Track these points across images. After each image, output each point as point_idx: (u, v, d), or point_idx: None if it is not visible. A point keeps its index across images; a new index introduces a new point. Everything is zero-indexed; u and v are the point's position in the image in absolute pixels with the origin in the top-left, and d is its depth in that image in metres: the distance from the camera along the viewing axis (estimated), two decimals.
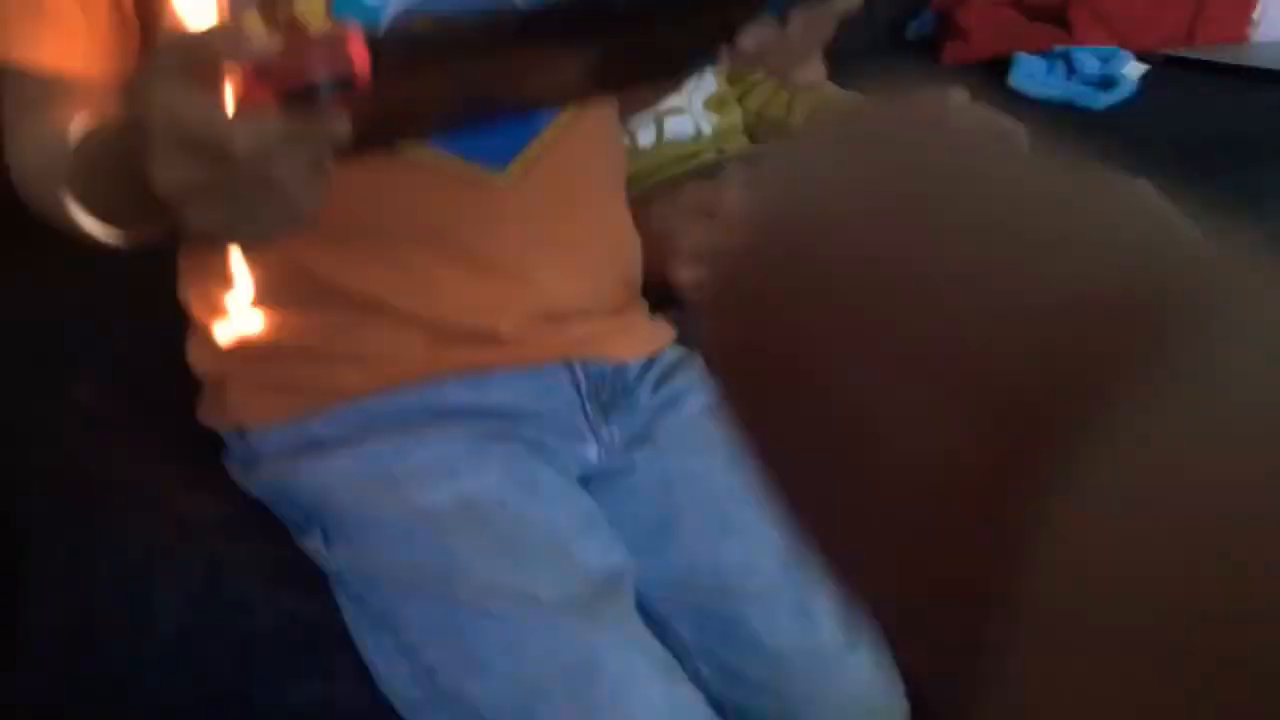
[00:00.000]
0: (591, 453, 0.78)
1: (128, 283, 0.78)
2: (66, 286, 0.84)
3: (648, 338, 0.83)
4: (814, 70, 1.25)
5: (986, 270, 0.10)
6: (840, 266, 0.11)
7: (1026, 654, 0.09)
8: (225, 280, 0.74)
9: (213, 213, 0.54)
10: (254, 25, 0.67)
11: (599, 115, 0.80)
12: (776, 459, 0.12)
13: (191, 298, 0.77)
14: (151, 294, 0.79)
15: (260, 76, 0.51)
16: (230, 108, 0.51)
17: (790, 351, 0.11)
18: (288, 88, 0.51)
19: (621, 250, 0.84)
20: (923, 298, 0.10)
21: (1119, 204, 0.11)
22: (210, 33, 0.53)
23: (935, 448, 0.10)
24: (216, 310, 0.75)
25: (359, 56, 0.51)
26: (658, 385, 0.82)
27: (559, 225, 0.77)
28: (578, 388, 0.77)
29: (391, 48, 0.52)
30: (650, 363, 0.82)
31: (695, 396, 0.82)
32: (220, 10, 0.68)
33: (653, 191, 1.02)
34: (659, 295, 0.90)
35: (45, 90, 0.69)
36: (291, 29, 0.67)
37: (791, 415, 0.11)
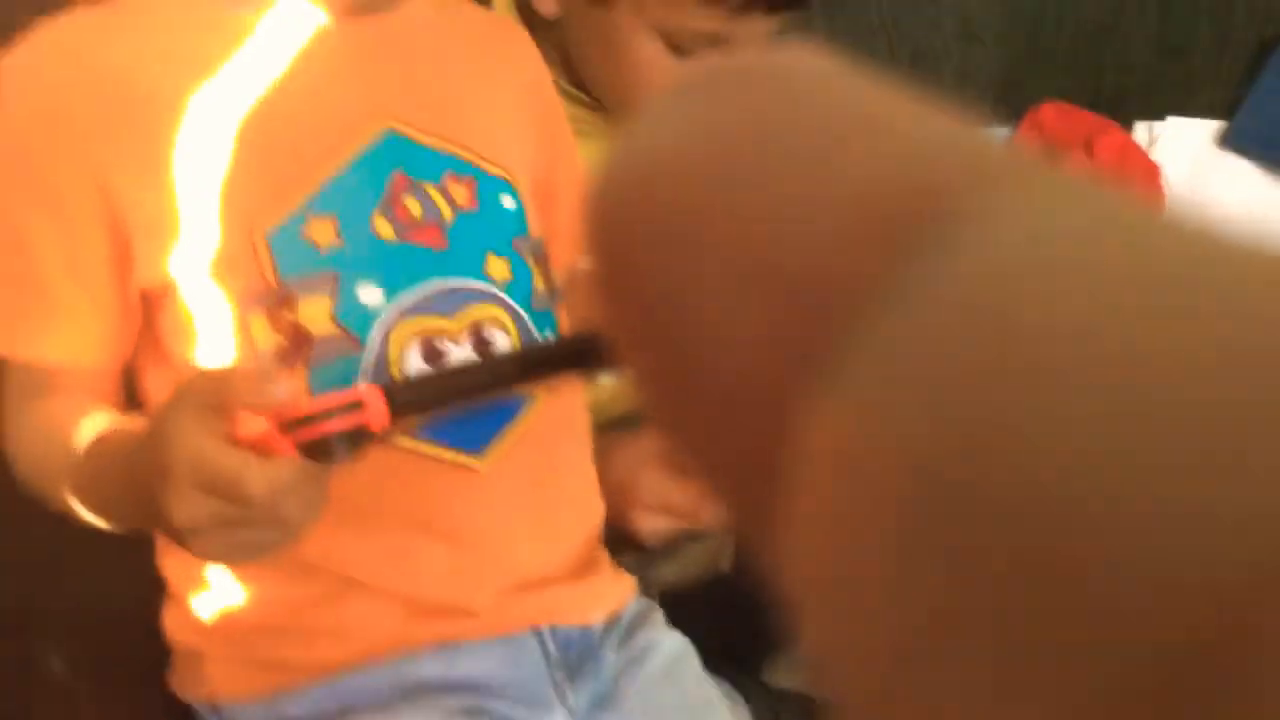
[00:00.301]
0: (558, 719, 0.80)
1: (98, 535, 0.78)
2: (33, 537, 0.84)
3: (612, 596, 0.86)
4: None
5: (791, 185, 0.11)
6: (681, 202, 0.12)
7: (804, 513, 0.10)
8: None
9: (219, 543, 0.57)
10: (260, 331, 0.70)
11: (570, 389, 0.84)
12: (649, 375, 0.12)
13: (170, 569, 0.78)
14: (122, 544, 0.80)
15: (280, 424, 0.55)
16: (249, 451, 0.55)
17: (650, 281, 0.12)
18: (306, 439, 0.55)
19: (589, 512, 0.87)
20: (744, 212, 0.11)
21: (907, 109, 0.11)
22: (234, 375, 0.57)
23: (744, 343, 0.11)
24: (196, 583, 0.77)
25: (376, 417, 0.54)
26: (622, 642, 0.85)
27: (533, 499, 0.80)
28: (546, 654, 0.80)
29: (405, 402, 0.56)
30: (613, 620, 0.85)
31: (658, 650, 0.85)
32: (227, 312, 0.71)
33: (613, 434, 1.05)
34: (617, 539, 0.93)
35: (49, 380, 0.71)
36: (297, 334, 0.70)
37: (659, 339, 0.12)
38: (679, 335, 0.12)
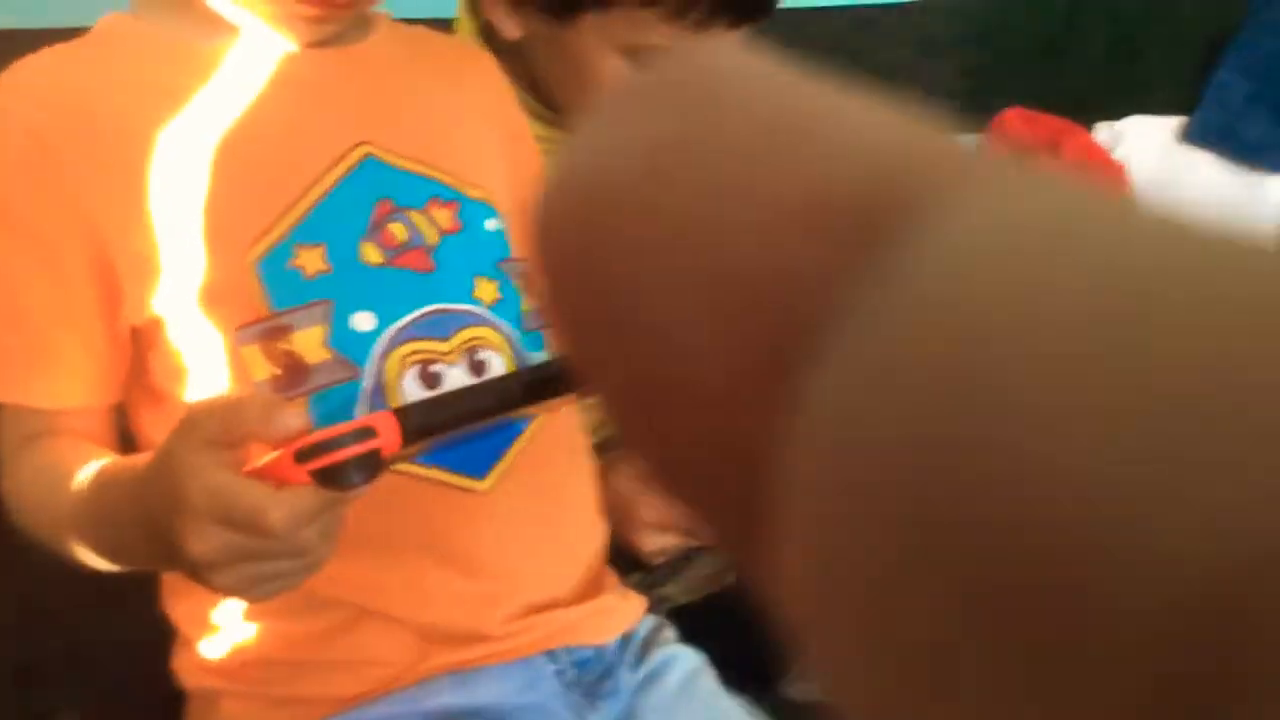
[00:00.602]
0: None
1: (102, 583, 0.77)
2: (37, 589, 0.83)
3: (623, 615, 0.85)
4: None
5: (737, 186, 0.11)
6: (624, 223, 0.11)
7: (788, 523, 0.10)
8: (215, 597, 0.75)
9: (239, 576, 0.56)
10: (254, 363, 0.70)
11: (568, 409, 0.83)
12: (611, 394, 0.12)
13: (178, 613, 0.77)
14: (127, 591, 0.79)
15: (294, 453, 0.54)
16: (264, 481, 0.54)
17: (601, 293, 0.11)
18: (320, 467, 0.54)
19: (594, 533, 0.86)
20: (692, 221, 0.11)
21: (853, 105, 0.11)
22: (244, 405, 0.56)
23: (707, 358, 0.11)
24: (205, 626, 0.75)
25: (389, 441, 0.54)
26: (637, 661, 0.84)
27: (537, 521, 0.80)
28: (562, 676, 0.79)
29: (416, 425, 0.56)
30: (627, 639, 0.84)
31: (674, 666, 0.84)
32: (219, 345, 0.70)
33: (612, 454, 1.05)
34: (622, 558, 0.92)
35: (44, 424, 0.71)
36: (292, 364, 0.70)
37: (616, 353, 0.12)
38: (640, 358, 0.11)
